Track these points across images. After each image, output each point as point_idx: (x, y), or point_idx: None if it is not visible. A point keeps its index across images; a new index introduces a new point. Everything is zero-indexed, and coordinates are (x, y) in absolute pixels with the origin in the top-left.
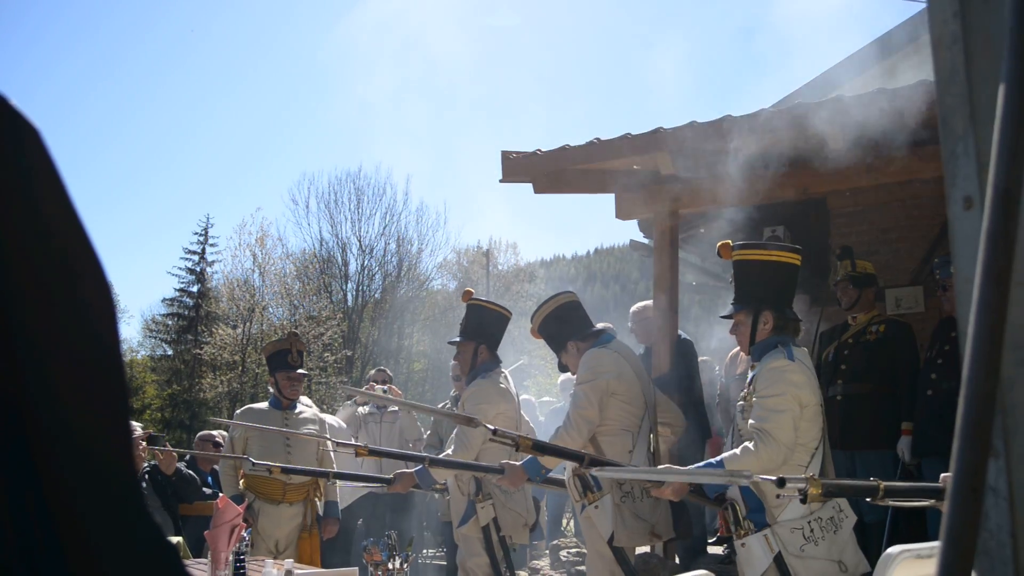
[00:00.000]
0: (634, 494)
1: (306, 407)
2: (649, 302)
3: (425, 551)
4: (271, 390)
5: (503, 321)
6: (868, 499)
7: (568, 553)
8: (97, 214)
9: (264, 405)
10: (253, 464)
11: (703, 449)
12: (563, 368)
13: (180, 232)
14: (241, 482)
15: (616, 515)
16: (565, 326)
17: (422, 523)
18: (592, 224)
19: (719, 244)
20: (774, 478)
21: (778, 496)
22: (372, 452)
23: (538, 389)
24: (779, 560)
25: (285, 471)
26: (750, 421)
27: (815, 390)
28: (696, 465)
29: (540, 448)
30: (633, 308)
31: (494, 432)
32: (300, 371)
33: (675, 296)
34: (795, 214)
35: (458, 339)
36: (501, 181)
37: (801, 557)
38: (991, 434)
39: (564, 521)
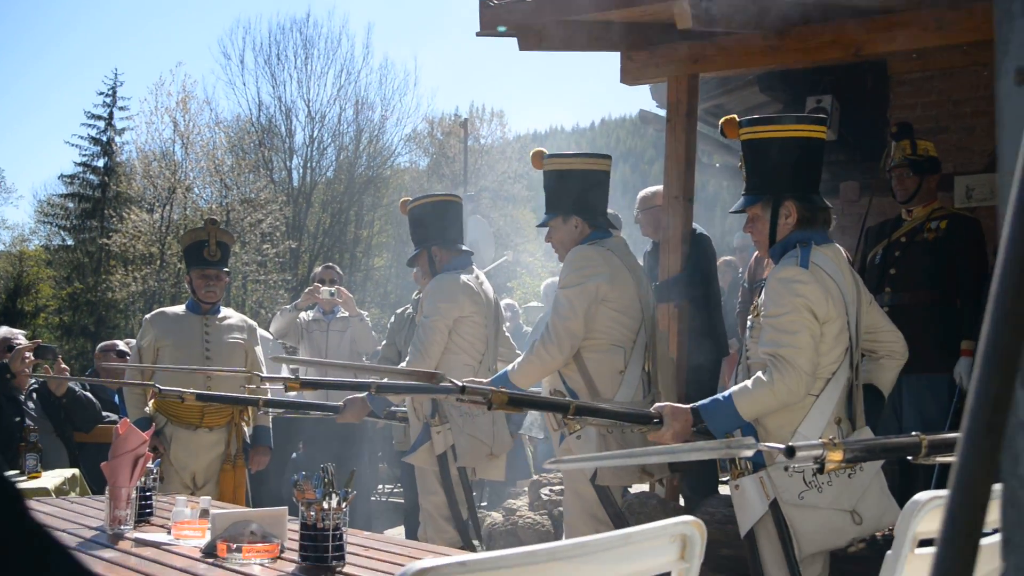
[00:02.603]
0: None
1: (233, 312)
2: (660, 187)
3: (381, 487)
4: (188, 289)
5: (450, 208)
6: (909, 458)
7: (550, 491)
8: None
9: (180, 309)
10: (160, 391)
11: (718, 369)
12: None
13: (81, 92)
14: (151, 402)
15: (601, 448)
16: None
17: (376, 453)
18: (596, 90)
19: (722, 120)
20: (782, 446)
21: (787, 468)
22: (306, 385)
23: (524, 292)
24: (775, 508)
25: (201, 399)
26: (761, 347)
27: (838, 303)
28: (701, 403)
29: (518, 403)
30: (641, 194)
31: (462, 390)
32: (224, 269)
33: (691, 180)
34: (847, 80)
35: (414, 254)
36: (478, 34)
37: (799, 506)
38: (1021, 360)
39: None
